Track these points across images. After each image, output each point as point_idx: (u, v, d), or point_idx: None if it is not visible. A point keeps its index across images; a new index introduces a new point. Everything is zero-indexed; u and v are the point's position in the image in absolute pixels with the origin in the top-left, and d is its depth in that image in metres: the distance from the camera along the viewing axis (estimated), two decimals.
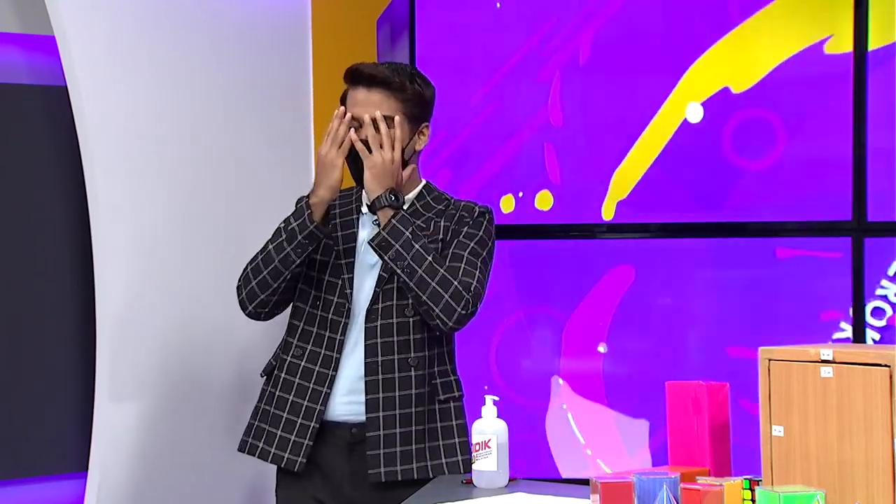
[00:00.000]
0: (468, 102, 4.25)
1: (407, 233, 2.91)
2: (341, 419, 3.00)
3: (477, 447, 2.71)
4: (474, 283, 2.96)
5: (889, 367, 2.09)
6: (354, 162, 2.99)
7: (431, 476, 2.96)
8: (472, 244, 3.02)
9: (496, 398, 2.76)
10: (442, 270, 2.93)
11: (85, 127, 3.46)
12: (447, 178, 4.20)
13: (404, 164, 3.03)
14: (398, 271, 2.92)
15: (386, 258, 2.92)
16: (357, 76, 3.02)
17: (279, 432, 3.02)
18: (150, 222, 3.61)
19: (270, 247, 3.00)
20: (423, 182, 3.13)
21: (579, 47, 4.20)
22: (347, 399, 3.00)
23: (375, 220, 3.01)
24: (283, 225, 3.00)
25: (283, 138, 4.01)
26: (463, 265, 2.98)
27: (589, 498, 2.28)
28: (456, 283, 2.93)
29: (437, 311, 2.92)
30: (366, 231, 3.06)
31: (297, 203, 3.06)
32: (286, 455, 3.00)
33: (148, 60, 3.62)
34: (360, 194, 3.11)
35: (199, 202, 3.74)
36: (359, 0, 4.29)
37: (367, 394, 2.97)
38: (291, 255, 2.97)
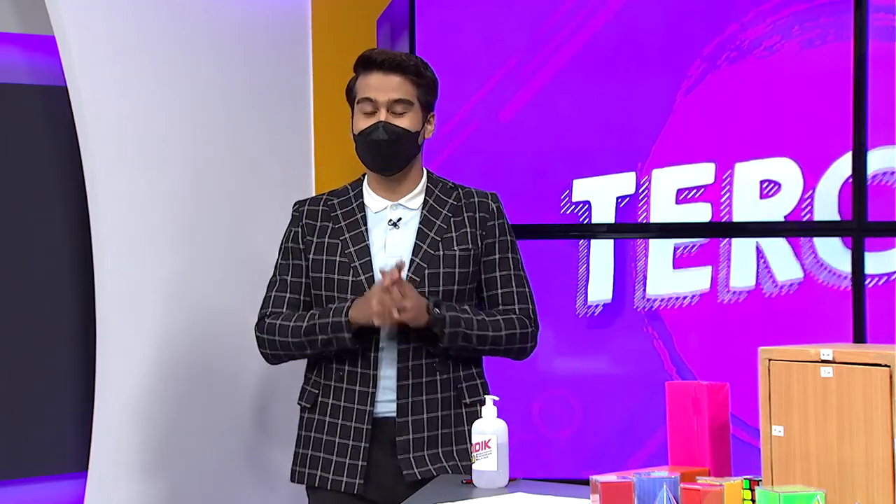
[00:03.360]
0: (468, 103, 4.24)
1: (462, 328, 2.95)
2: (383, 415, 3.01)
3: (477, 447, 2.71)
4: (530, 305, 3.08)
5: (889, 367, 2.09)
6: (370, 149, 2.98)
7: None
8: (510, 255, 3.09)
9: (496, 398, 2.76)
10: (499, 319, 3.01)
11: (85, 127, 3.46)
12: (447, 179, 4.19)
13: (415, 152, 3.04)
14: (470, 347, 2.99)
15: (455, 347, 2.98)
16: (371, 62, 3.02)
17: (334, 458, 3.02)
18: (150, 222, 3.61)
19: (303, 339, 3.00)
20: (425, 172, 3.12)
21: (579, 47, 4.20)
22: (389, 398, 3.00)
23: (391, 221, 3.02)
24: (318, 322, 2.98)
25: (283, 138, 4.01)
26: (515, 288, 3.06)
27: (589, 498, 2.28)
28: (517, 325, 3.03)
29: (514, 353, 3.07)
30: (379, 232, 3.04)
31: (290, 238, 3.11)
32: (344, 479, 3.00)
33: (148, 60, 3.62)
34: (362, 189, 3.10)
35: (200, 202, 3.74)
36: (359, 0, 4.29)
37: (398, 398, 2.98)
38: (323, 349, 3.01)
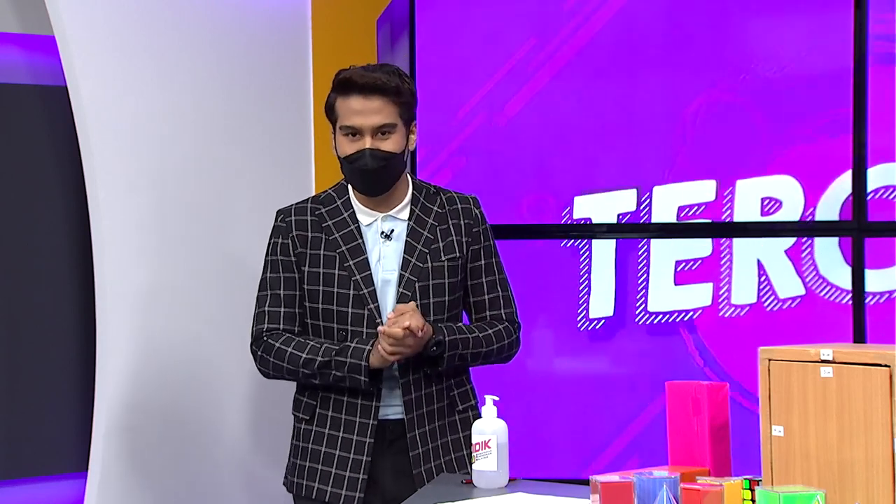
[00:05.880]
0: (468, 103, 4.24)
1: (459, 351, 2.99)
2: (385, 417, 3.02)
3: (477, 447, 2.71)
4: (513, 308, 3.13)
5: (889, 367, 2.09)
6: (358, 175, 2.97)
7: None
8: (494, 260, 3.12)
9: (496, 398, 2.76)
10: (490, 333, 3.05)
11: (85, 127, 3.46)
12: (447, 179, 4.19)
13: (402, 170, 3.03)
14: (464, 364, 3.06)
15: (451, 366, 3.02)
16: (351, 85, 2.95)
17: (334, 470, 3.01)
18: (150, 222, 3.61)
19: (315, 371, 2.96)
20: (410, 180, 3.10)
21: (579, 48, 4.20)
22: (394, 402, 3.02)
23: (383, 233, 3.01)
24: (335, 359, 2.94)
25: (283, 138, 4.00)
26: (500, 293, 3.10)
27: (589, 498, 2.28)
28: (505, 335, 3.08)
29: (501, 360, 3.13)
30: (373, 244, 3.03)
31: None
32: (343, 492, 2.99)
33: (148, 60, 3.62)
34: (349, 199, 3.07)
35: (199, 202, 3.74)
36: (359, 0, 4.29)
37: (406, 413, 2.99)
38: (334, 384, 2.99)
